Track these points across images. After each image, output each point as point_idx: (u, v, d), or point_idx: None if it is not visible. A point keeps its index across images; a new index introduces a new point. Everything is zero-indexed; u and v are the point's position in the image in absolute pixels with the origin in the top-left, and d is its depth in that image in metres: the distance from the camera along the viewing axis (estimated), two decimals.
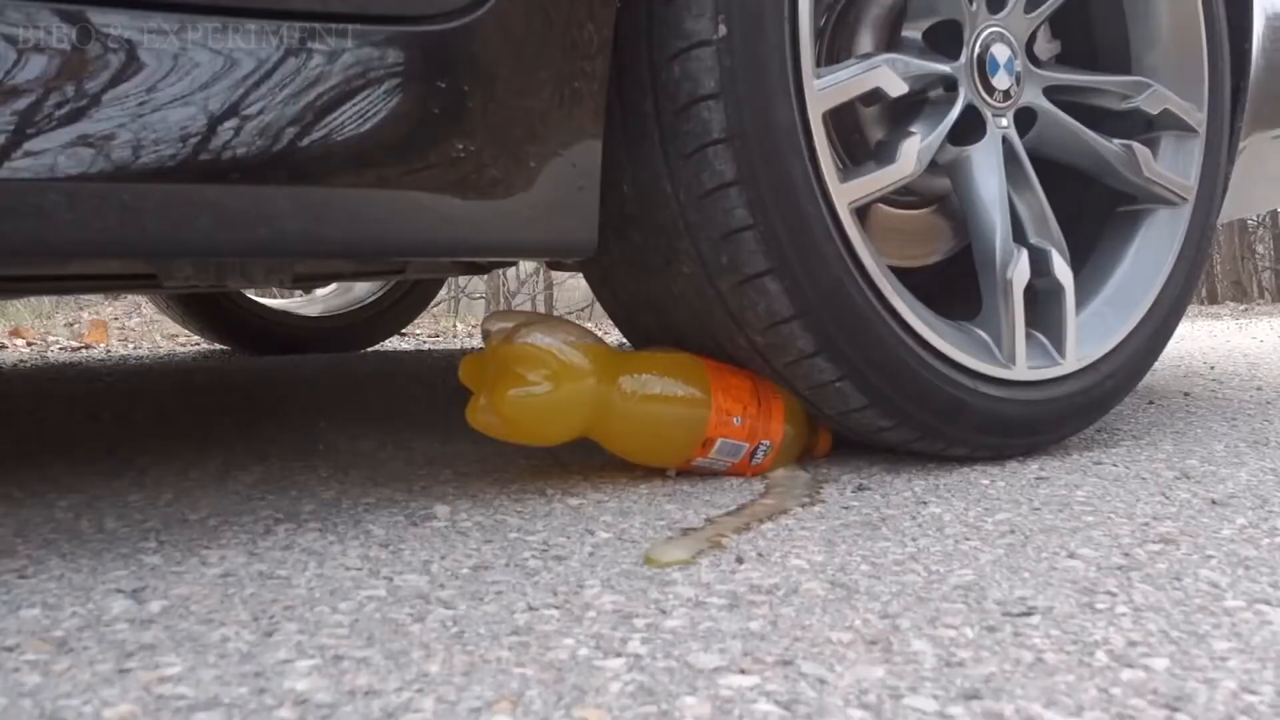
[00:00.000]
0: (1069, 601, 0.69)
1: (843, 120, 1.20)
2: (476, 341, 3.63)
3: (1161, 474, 1.11)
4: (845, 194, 1.02)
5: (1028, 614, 0.67)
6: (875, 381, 1.04)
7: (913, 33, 1.15)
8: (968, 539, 0.85)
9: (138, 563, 0.78)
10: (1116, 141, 1.26)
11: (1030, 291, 1.15)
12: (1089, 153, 1.25)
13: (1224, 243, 13.66)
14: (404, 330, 4.21)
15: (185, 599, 0.70)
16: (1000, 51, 1.15)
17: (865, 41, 1.19)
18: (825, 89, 1.01)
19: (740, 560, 0.78)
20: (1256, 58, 1.40)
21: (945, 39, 1.14)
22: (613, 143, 1.01)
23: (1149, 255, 1.30)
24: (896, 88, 1.07)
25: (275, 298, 3.06)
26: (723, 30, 0.94)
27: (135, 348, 3.11)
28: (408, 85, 0.83)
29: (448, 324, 5.03)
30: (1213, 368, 2.45)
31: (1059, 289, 1.18)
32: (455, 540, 0.84)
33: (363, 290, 2.95)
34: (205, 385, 2.02)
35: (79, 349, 3.17)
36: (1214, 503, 0.97)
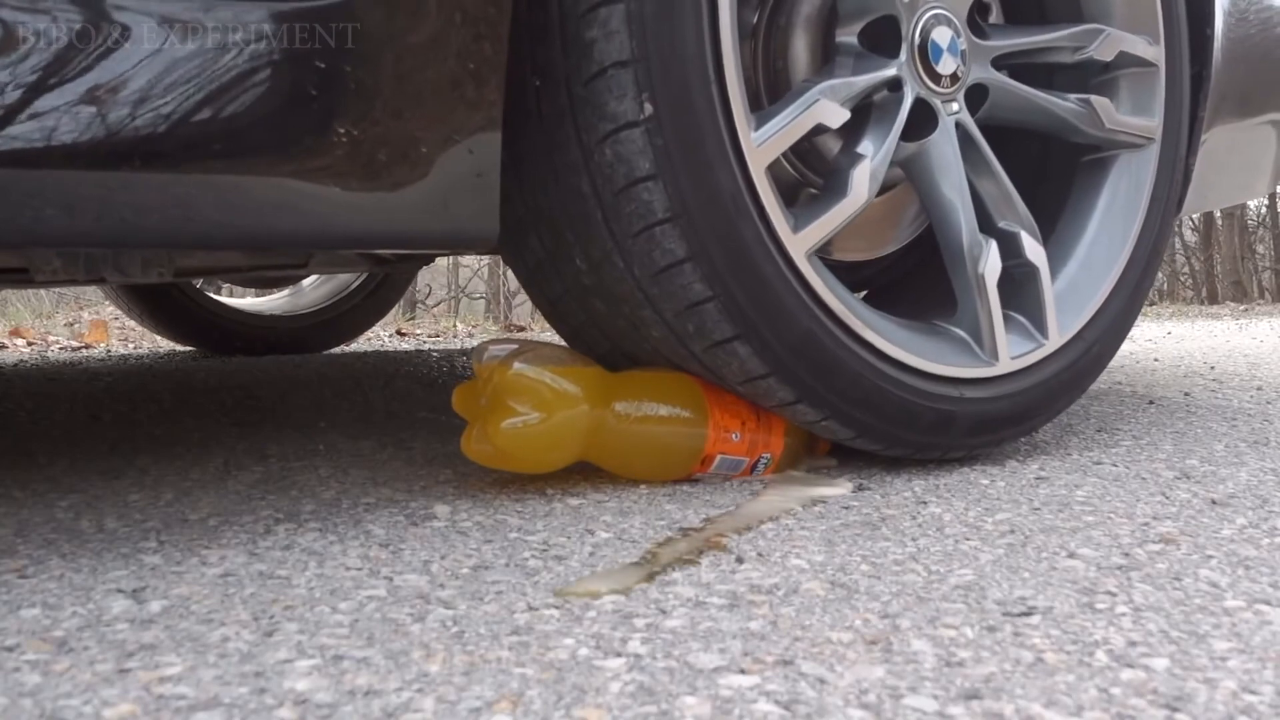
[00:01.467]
0: (1069, 601, 0.69)
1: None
2: (475, 342, 3.63)
3: (1161, 474, 1.11)
4: (801, 243, 0.99)
5: (1028, 614, 0.67)
6: (860, 416, 1.03)
7: (848, 37, 1.10)
8: (968, 539, 0.85)
9: (138, 562, 0.78)
10: (1073, 97, 1.22)
11: (1005, 276, 1.13)
12: (1047, 114, 1.21)
13: (1224, 243, 13.66)
14: (403, 330, 4.21)
15: (185, 599, 0.70)
16: (942, 35, 1.10)
17: (800, 45, 1.14)
18: (765, 142, 0.97)
19: (740, 560, 0.78)
20: (1219, 39, 1.37)
21: (883, 33, 1.10)
22: (555, 220, 0.99)
23: (1120, 205, 1.26)
24: (838, 117, 1.02)
25: (237, 296, 3.03)
26: (649, 109, 0.90)
27: (135, 348, 3.11)
28: (283, 64, 0.77)
29: (448, 324, 5.03)
30: (1213, 368, 2.45)
31: (1033, 269, 1.15)
32: (455, 540, 0.84)
33: (327, 289, 2.90)
34: (206, 385, 2.02)
35: (79, 349, 3.17)
36: (1214, 503, 0.97)
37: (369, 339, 3.72)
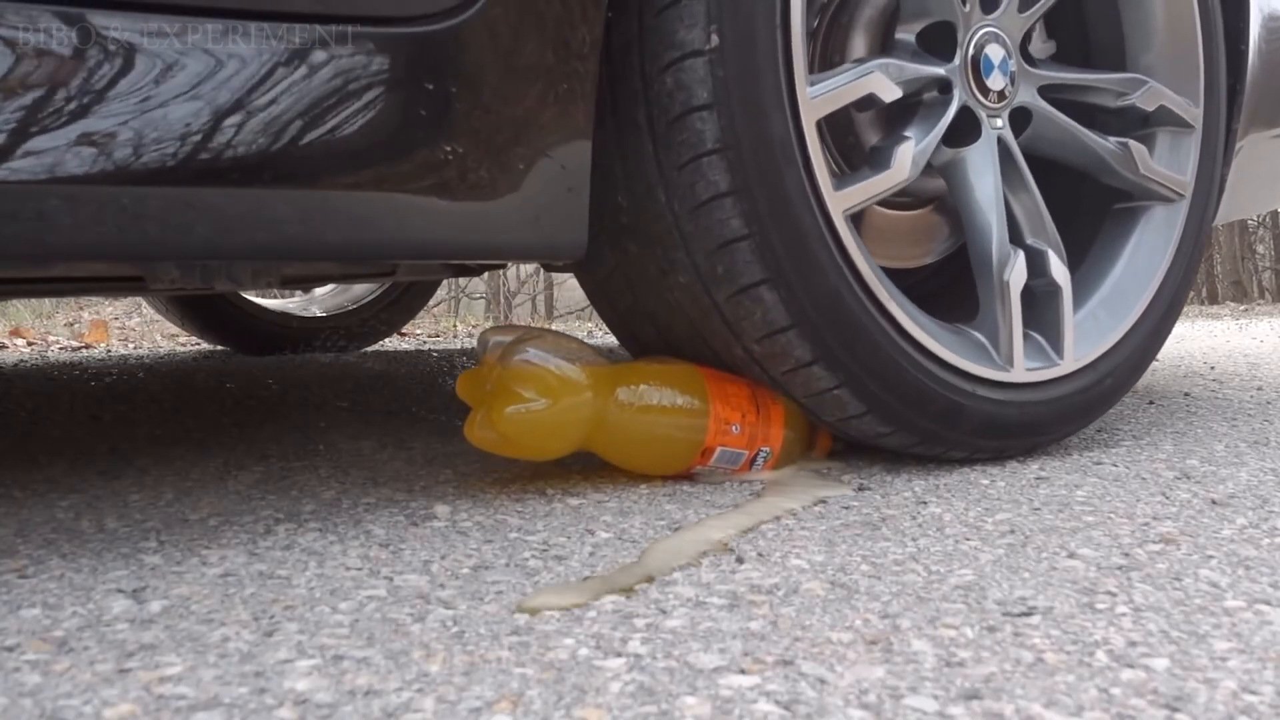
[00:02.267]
0: (1069, 601, 0.69)
1: (837, 125, 1.19)
2: (476, 342, 3.62)
3: (1162, 474, 1.11)
4: (840, 201, 1.01)
5: (1028, 614, 0.67)
6: (873, 389, 1.04)
7: (906, 35, 1.15)
8: (968, 539, 0.85)
9: (138, 562, 0.78)
10: (1112, 139, 1.26)
11: (1027, 293, 1.15)
12: (1085, 151, 1.25)
13: (1224, 243, 13.66)
14: (403, 330, 4.21)
15: (186, 599, 0.70)
16: (994, 52, 1.14)
17: (859, 44, 1.19)
18: (818, 97, 1.00)
19: (740, 560, 0.78)
20: (1253, 57, 1.40)
21: (939, 40, 1.14)
22: (607, 154, 1.01)
23: (1146, 252, 1.30)
24: (890, 93, 1.06)
25: (273, 299, 3.05)
26: (715, 40, 0.93)
27: (135, 348, 3.11)
28: (395, 87, 0.83)
29: (448, 324, 5.03)
30: (1213, 368, 2.45)
31: (1056, 290, 1.18)
32: (455, 540, 0.84)
33: (360, 290, 2.95)
34: (206, 385, 2.02)
35: (79, 349, 3.17)
36: (1214, 503, 0.97)
37: None
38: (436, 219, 0.86)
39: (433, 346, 3.33)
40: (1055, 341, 1.18)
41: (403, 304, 2.97)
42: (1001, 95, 1.16)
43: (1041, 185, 1.20)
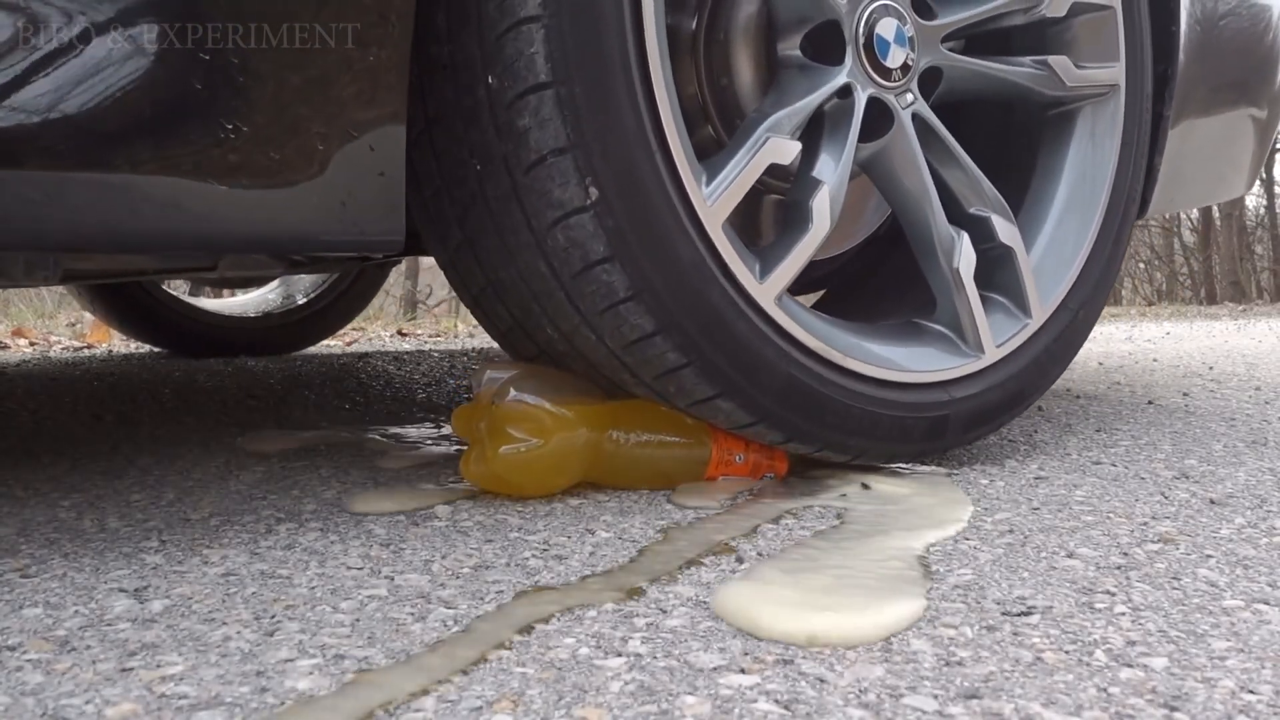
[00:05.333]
0: (1068, 601, 0.69)
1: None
2: (477, 342, 3.63)
3: (1160, 474, 1.11)
4: (769, 291, 0.97)
5: (1027, 614, 0.67)
6: (855, 442, 1.03)
7: (790, 50, 1.06)
8: (967, 538, 0.85)
9: (140, 562, 0.78)
10: (1029, 61, 1.19)
11: (981, 257, 1.11)
12: (1004, 83, 1.18)
13: (1223, 243, 13.65)
14: (404, 330, 4.21)
15: (187, 598, 0.70)
16: (887, 27, 1.05)
17: (742, 62, 1.11)
18: (718, 200, 0.93)
19: (740, 560, 0.79)
20: (1185, 34, 1.31)
21: (827, 38, 1.05)
22: (520, 294, 0.95)
23: (1091, 153, 1.23)
24: (789, 152, 0.98)
25: (208, 298, 2.95)
26: (594, 193, 0.87)
27: (137, 348, 3.11)
28: (166, 58, 0.71)
29: (449, 324, 5.03)
30: (1211, 368, 2.45)
31: (1007, 251, 1.13)
32: (456, 540, 0.84)
33: (299, 291, 2.85)
34: (207, 385, 2.02)
35: (81, 349, 3.17)
36: (1212, 502, 0.97)
37: (370, 339, 3.72)
38: (216, 206, 0.75)
39: (434, 346, 3.34)
40: (1020, 299, 1.14)
41: (339, 308, 2.88)
42: (905, 69, 1.07)
43: (968, 118, 1.12)
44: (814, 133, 1.05)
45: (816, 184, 1.01)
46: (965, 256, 1.09)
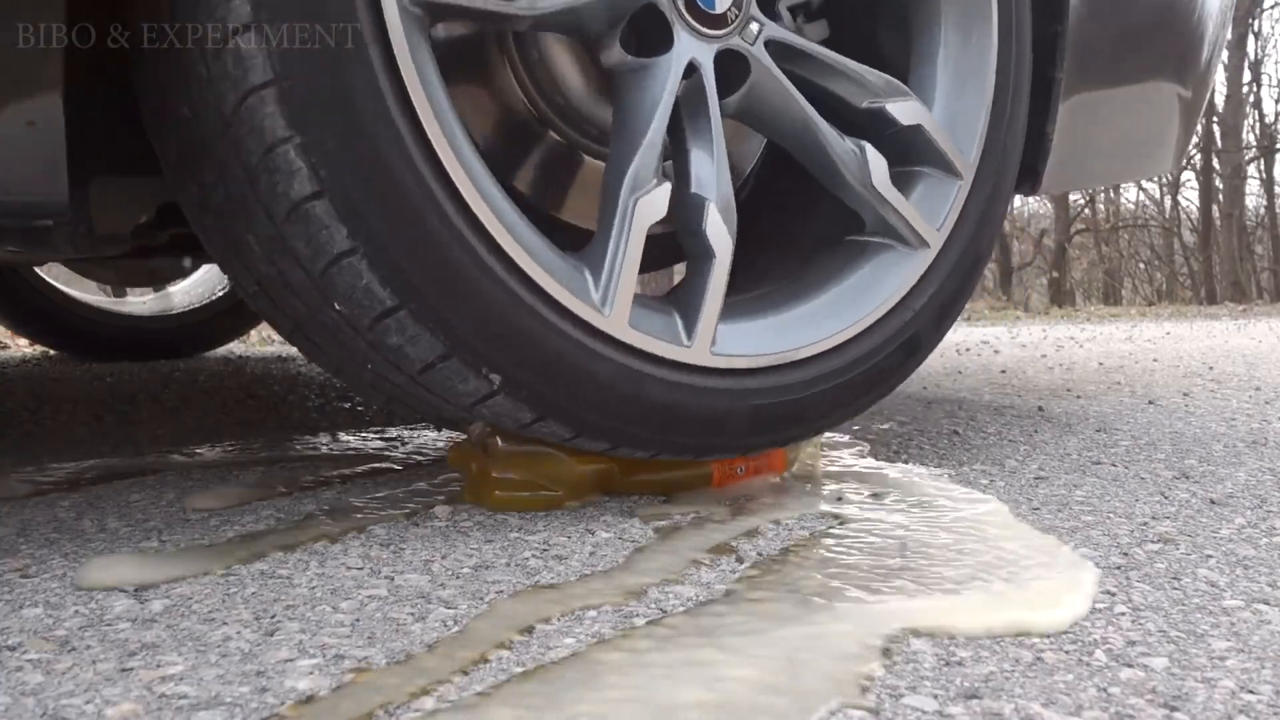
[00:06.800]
0: None
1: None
2: None
3: (1160, 474, 1.11)
4: (703, 346, 0.91)
5: None
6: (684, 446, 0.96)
7: (614, 57, 0.93)
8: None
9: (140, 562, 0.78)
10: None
11: (893, 142, 1.03)
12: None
13: (1223, 243, 13.66)
14: None
15: (187, 598, 0.70)
16: None
17: (567, 71, 1.04)
18: (614, 310, 0.87)
19: (740, 560, 0.79)
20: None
21: (642, 21, 0.93)
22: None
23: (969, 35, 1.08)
24: (663, 200, 0.90)
25: (102, 295, 2.80)
26: (496, 380, 0.84)
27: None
28: None
29: None
30: (1211, 368, 2.45)
31: (915, 126, 1.04)
32: (456, 540, 0.84)
33: (200, 292, 2.77)
34: (207, 385, 2.03)
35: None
36: (1212, 502, 0.97)
37: None
38: None
39: None
40: (944, 164, 1.05)
41: (246, 309, 2.75)
42: (738, 3, 0.95)
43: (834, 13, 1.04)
44: (675, 130, 0.94)
45: (701, 204, 0.92)
46: (876, 169, 1.01)
